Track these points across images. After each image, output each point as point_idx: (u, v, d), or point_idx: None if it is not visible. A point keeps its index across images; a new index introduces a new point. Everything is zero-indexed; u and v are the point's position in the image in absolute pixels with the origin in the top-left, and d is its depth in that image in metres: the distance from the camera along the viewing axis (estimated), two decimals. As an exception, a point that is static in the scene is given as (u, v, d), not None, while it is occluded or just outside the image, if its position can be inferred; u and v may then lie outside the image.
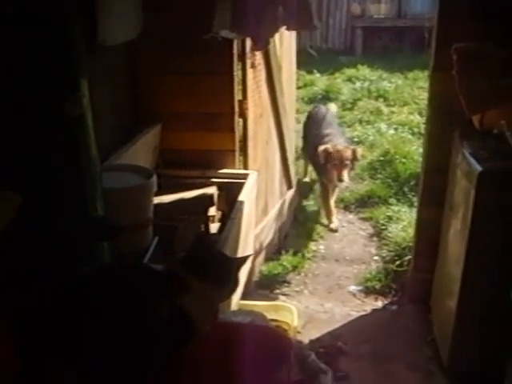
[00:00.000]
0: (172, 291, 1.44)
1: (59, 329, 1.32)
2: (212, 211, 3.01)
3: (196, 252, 1.54)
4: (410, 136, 6.25)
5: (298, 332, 3.09)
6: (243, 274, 3.15)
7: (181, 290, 1.44)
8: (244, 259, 1.69)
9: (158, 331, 1.38)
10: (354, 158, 4.58)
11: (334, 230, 4.58)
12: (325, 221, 4.73)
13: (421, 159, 3.63)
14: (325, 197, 4.70)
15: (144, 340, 1.36)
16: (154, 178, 2.42)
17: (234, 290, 1.60)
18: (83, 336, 1.31)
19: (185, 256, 1.52)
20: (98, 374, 1.33)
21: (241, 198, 3.06)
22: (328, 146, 4.55)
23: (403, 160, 5.51)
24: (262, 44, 3.06)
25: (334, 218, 4.66)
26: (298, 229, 4.64)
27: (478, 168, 2.48)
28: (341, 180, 4.50)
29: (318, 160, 4.58)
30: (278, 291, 3.76)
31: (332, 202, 4.72)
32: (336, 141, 4.69)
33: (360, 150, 4.72)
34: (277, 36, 3.75)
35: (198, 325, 1.44)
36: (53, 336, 1.32)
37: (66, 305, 1.35)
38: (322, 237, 4.51)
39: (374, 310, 3.58)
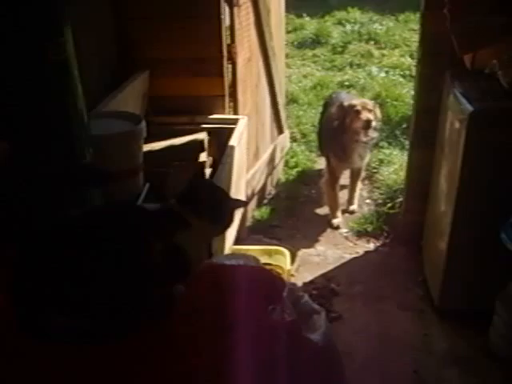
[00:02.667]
0: (170, 228, 1.45)
1: (53, 273, 1.32)
2: (203, 157, 2.99)
3: (193, 189, 1.55)
4: (401, 79, 6.21)
5: (292, 275, 3.13)
6: (236, 219, 3.17)
7: (179, 226, 1.45)
8: (242, 203, 1.70)
9: (152, 268, 1.39)
10: (376, 113, 3.83)
11: (335, 227, 3.92)
12: (322, 210, 4.18)
13: (412, 102, 3.60)
14: (330, 185, 4.01)
15: (138, 277, 1.38)
16: (143, 124, 2.40)
17: (228, 227, 1.62)
18: (77, 279, 1.32)
19: (181, 193, 1.53)
20: (94, 318, 1.34)
21: (231, 143, 3.04)
22: (344, 102, 3.86)
23: (394, 103, 5.50)
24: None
25: (339, 213, 4.00)
26: (289, 173, 4.64)
27: (469, 108, 2.47)
28: (368, 123, 3.67)
29: (330, 132, 3.95)
30: (271, 236, 3.79)
31: (357, 186, 4.14)
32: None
33: (379, 110, 3.93)
34: (265, -22, 3.67)
35: (192, 260, 1.47)
36: (47, 281, 1.33)
37: (58, 247, 1.35)
38: (313, 181, 4.51)
39: (366, 252, 3.62)
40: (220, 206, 1.57)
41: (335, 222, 3.93)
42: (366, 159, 4.07)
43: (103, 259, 1.34)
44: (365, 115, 3.69)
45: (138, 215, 1.49)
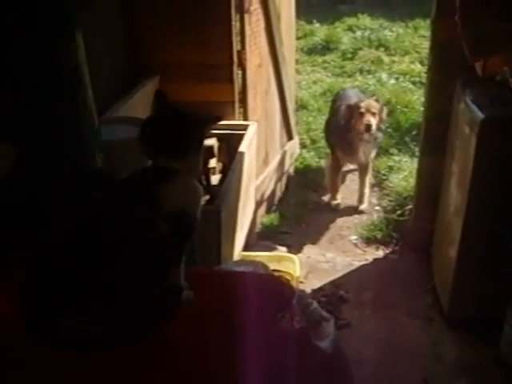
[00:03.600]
0: (157, 184, 1.43)
1: (67, 275, 1.31)
2: (212, 163, 3.00)
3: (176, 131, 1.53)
4: (411, 85, 6.20)
5: (301, 282, 3.13)
6: (246, 224, 3.17)
7: (167, 179, 1.44)
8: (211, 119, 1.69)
9: (164, 248, 1.38)
10: (382, 114, 4.03)
11: (333, 207, 4.21)
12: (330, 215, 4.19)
13: (422, 109, 3.59)
14: (333, 169, 4.25)
15: (152, 270, 1.36)
16: (154, 130, 2.40)
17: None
18: (93, 280, 1.31)
19: (162, 133, 1.53)
20: (109, 319, 1.33)
21: (241, 149, 3.04)
22: (352, 102, 4.08)
23: (404, 110, 5.48)
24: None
25: (339, 195, 4.27)
26: (299, 179, 4.64)
27: (480, 115, 2.46)
28: (368, 127, 3.90)
29: (336, 129, 4.14)
30: (280, 242, 3.78)
31: (366, 182, 4.23)
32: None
33: (386, 110, 4.18)
34: (275, -16, 3.68)
35: (192, 211, 1.46)
36: (60, 283, 1.32)
37: (69, 250, 1.35)
38: (323, 187, 4.50)
39: (375, 259, 3.61)
40: (191, 134, 1.54)
41: (334, 203, 4.22)
42: (372, 155, 4.22)
43: (114, 259, 1.32)
44: (366, 119, 3.91)
45: (131, 201, 1.43)
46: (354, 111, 3.96)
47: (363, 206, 4.18)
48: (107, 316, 1.32)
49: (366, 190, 4.23)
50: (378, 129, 4.02)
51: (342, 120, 4.05)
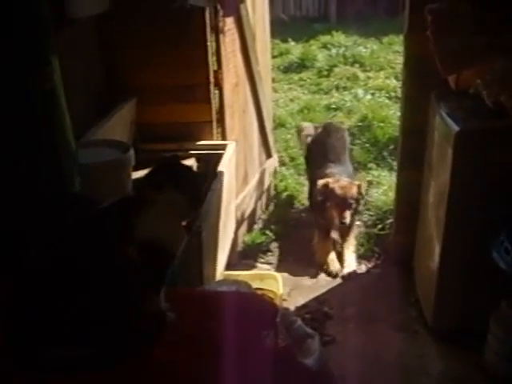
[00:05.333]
0: (132, 214, 1.42)
1: (42, 305, 1.31)
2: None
3: (161, 168, 1.54)
4: (387, 100, 6.27)
5: (284, 299, 3.11)
6: (227, 244, 3.16)
7: (141, 207, 1.43)
8: (210, 173, 1.69)
9: (133, 275, 1.38)
10: (360, 196, 3.82)
11: (334, 275, 3.60)
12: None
13: (398, 123, 3.63)
14: (323, 242, 3.83)
15: (124, 292, 1.36)
16: (132, 152, 2.40)
17: (199, 199, 1.60)
18: (67, 306, 1.30)
19: (149, 174, 1.52)
20: (89, 345, 1.32)
21: (220, 168, 3.04)
22: (329, 180, 3.81)
23: (381, 125, 5.53)
24: (231, 9, 3.03)
25: (332, 261, 3.70)
26: (279, 197, 4.64)
27: (455, 128, 2.49)
28: (343, 222, 3.69)
29: (315, 195, 3.89)
30: (262, 260, 3.78)
31: (346, 248, 3.82)
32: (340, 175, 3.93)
33: (364, 185, 3.97)
34: (249, 4, 3.72)
35: (170, 244, 1.45)
36: (38, 314, 1.31)
37: (46, 276, 1.34)
38: (303, 204, 4.51)
39: (358, 274, 3.61)
40: (190, 178, 1.56)
41: (333, 269, 3.63)
42: (354, 222, 3.94)
43: (87, 285, 1.33)
44: (343, 216, 3.67)
45: (101, 223, 1.45)
46: (330, 195, 3.73)
47: (344, 271, 3.65)
48: (83, 342, 1.31)
49: (347, 257, 3.76)
50: (355, 211, 3.82)
51: (319, 197, 3.81)
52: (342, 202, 3.70)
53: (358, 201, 3.79)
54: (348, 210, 3.70)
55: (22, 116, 1.67)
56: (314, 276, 3.59)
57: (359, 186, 3.80)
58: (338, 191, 3.72)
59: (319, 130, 4.43)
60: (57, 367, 1.32)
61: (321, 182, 3.79)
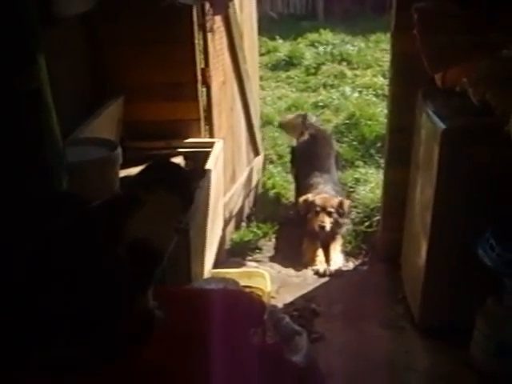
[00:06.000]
0: (122, 214, 1.42)
1: (29, 301, 1.30)
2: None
3: (153, 168, 1.55)
4: (374, 98, 6.30)
5: (272, 297, 3.12)
6: (215, 242, 3.16)
7: (131, 207, 1.43)
8: (199, 172, 1.68)
9: (121, 274, 1.37)
10: (341, 210, 3.87)
11: (321, 274, 3.57)
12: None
13: (386, 121, 3.65)
14: (311, 245, 3.87)
15: (112, 293, 1.36)
16: (119, 150, 2.39)
17: (190, 201, 1.60)
18: (55, 305, 1.30)
19: (139, 174, 1.53)
20: (78, 344, 1.32)
21: (208, 166, 3.04)
22: (309, 195, 3.94)
23: (368, 122, 5.56)
24: (221, 8, 3.02)
25: (318, 261, 3.73)
26: (266, 195, 4.65)
27: (442, 126, 2.50)
28: (322, 227, 3.79)
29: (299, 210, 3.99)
30: (250, 258, 3.78)
31: (332, 249, 3.85)
32: (323, 188, 4.03)
33: (348, 203, 3.99)
34: (237, 2, 3.72)
35: (160, 245, 1.45)
36: (26, 314, 1.31)
37: (33, 275, 1.34)
38: (290, 202, 4.52)
39: (346, 271, 3.62)
40: (180, 178, 1.57)
41: (314, 268, 3.64)
42: (340, 232, 3.96)
43: (73, 284, 1.32)
44: (320, 219, 3.80)
45: (91, 222, 1.45)
46: (311, 207, 3.86)
47: (331, 268, 3.65)
48: (70, 341, 1.32)
49: (333, 255, 3.81)
50: (337, 223, 3.86)
51: (301, 211, 3.94)
52: (322, 210, 3.83)
53: (339, 213, 3.86)
54: (327, 216, 3.82)
55: (9, 115, 1.66)
56: (300, 270, 3.63)
57: (341, 202, 3.90)
58: (318, 201, 3.87)
59: (305, 137, 4.46)
60: (44, 367, 1.32)
61: (301, 200, 3.95)
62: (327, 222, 3.81)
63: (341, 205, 3.88)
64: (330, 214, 3.83)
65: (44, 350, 1.31)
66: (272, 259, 3.79)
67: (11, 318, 1.32)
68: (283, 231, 4.16)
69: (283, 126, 5.06)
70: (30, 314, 1.31)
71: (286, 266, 3.66)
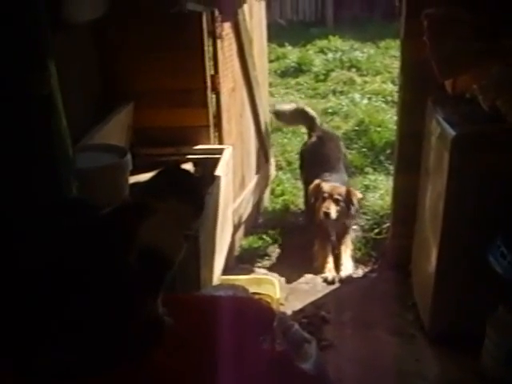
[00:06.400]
0: (133, 222, 1.42)
1: (39, 306, 1.30)
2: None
3: (164, 176, 1.55)
4: (383, 105, 6.28)
5: (281, 304, 3.11)
6: (224, 248, 3.16)
7: (143, 215, 1.43)
8: (209, 179, 1.68)
9: (131, 281, 1.37)
10: (349, 200, 3.76)
11: (330, 282, 3.56)
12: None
13: (395, 127, 3.64)
14: (323, 250, 3.81)
15: (122, 300, 1.36)
16: (129, 157, 2.40)
17: (201, 209, 1.59)
18: (61, 315, 1.30)
19: (150, 180, 1.53)
20: (83, 350, 1.32)
21: (217, 173, 3.04)
22: (318, 181, 3.85)
23: (378, 129, 5.54)
24: (230, 15, 3.04)
25: (329, 266, 3.69)
26: (275, 202, 4.64)
27: (452, 132, 2.49)
28: (326, 214, 3.68)
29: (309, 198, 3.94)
30: (259, 265, 3.78)
31: (343, 251, 3.80)
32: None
33: (358, 194, 3.90)
34: (247, 9, 3.73)
35: (170, 253, 1.45)
36: (31, 320, 1.31)
37: (43, 279, 1.34)
38: (300, 209, 4.51)
39: (355, 278, 3.61)
40: (190, 186, 1.56)
41: (323, 275, 3.61)
42: (350, 224, 3.94)
43: (84, 291, 1.33)
44: (326, 205, 3.71)
45: (102, 229, 1.45)
46: (319, 194, 3.78)
47: (342, 274, 3.64)
48: (81, 347, 1.31)
49: (344, 261, 3.74)
50: (346, 214, 3.79)
51: (312, 198, 3.87)
52: (328, 197, 3.72)
53: (347, 203, 3.76)
54: (334, 204, 3.71)
55: (19, 120, 1.67)
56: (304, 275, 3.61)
57: (349, 190, 3.80)
58: (326, 188, 3.77)
59: (313, 139, 4.39)
60: (54, 372, 1.32)
61: (312, 185, 3.85)
62: (333, 209, 3.70)
63: (349, 193, 3.77)
64: (336, 202, 3.73)
65: (54, 354, 1.31)
66: (280, 266, 3.78)
67: (21, 321, 1.32)
68: (292, 238, 4.14)
69: (277, 115, 4.81)
70: (40, 317, 1.31)
71: (294, 272, 3.65)
